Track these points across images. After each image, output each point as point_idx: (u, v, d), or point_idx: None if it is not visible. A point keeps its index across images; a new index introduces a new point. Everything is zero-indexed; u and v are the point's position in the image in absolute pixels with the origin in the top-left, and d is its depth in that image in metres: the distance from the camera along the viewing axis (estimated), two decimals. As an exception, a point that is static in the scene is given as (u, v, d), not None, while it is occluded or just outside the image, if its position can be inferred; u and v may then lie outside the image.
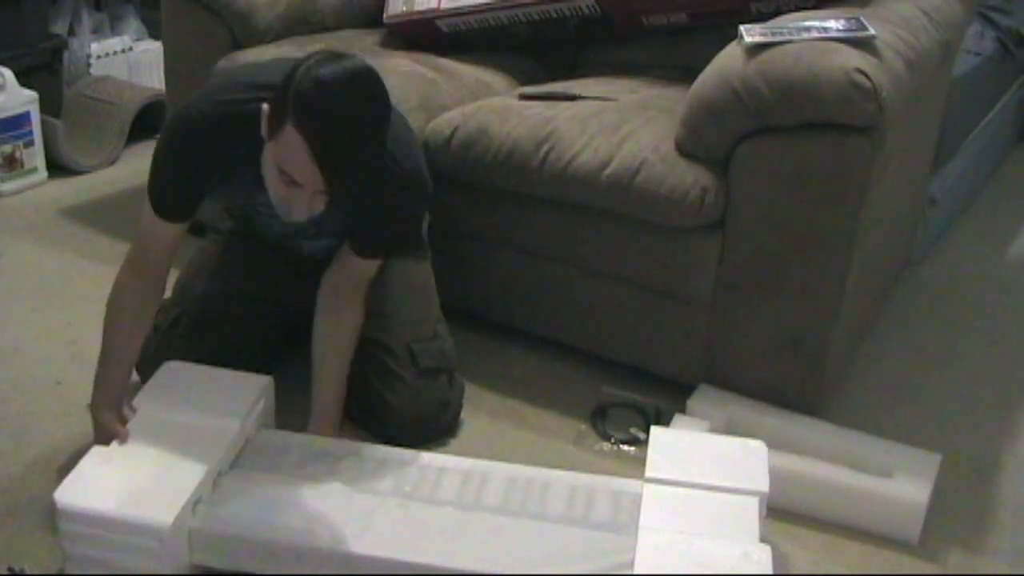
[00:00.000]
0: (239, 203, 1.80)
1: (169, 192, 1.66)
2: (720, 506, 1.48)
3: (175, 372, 1.75)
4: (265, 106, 1.48)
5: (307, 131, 1.40)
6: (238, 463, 1.63)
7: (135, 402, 1.67)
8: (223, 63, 2.26)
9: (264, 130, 1.49)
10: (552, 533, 1.49)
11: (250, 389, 1.71)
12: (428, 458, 1.66)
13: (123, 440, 1.59)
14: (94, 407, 1.67)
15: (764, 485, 1.52)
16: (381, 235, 1.75)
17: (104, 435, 1.62)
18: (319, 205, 1.50)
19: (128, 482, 1.51)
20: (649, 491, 1.52)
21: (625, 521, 1.49)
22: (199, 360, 1.79)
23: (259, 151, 1.54)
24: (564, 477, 1.61)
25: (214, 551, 1.50)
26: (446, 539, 1.48)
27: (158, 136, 1.67)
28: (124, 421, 1.63)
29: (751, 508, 1.48)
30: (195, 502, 1.50)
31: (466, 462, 1.65)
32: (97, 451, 1.57)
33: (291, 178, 1.45)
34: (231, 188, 1.70)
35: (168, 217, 1.66)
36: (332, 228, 1.77)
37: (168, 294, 1.84)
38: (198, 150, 1.61)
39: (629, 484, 1.57)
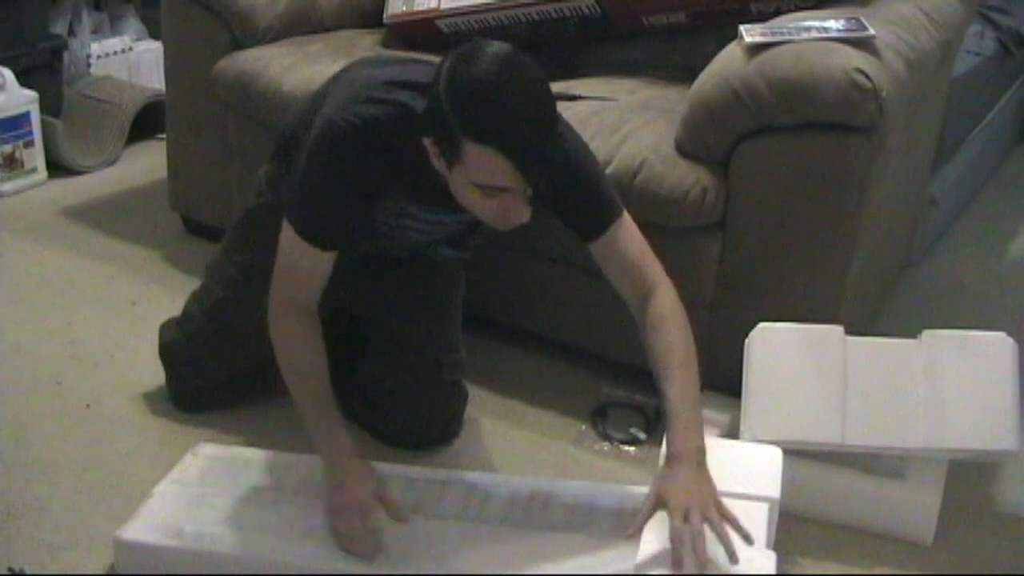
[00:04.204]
0: (390, 219, 1.64)
1: (330, 219, 1.51)
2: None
3: None
4: (426, 140, 1.40)
5: (491, 142, 1.32)
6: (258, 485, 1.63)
7: None
8: (223, 63, 2.26)
9: (439, 164, 1.41)
10: (555, 541, 1.49)
11: None
12: (432, 473, 1.67)
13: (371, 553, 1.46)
14: (337, 481, 1.48)
15: (775, 491, 1.50)
16: (593, 204, 1.57)
17: (355, 529, 1.46)
18: (528, 199, 1.41)
19: None
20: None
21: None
22: (228, 366, 1.84)
23: (409, 158, 1.46)
24: (571, 487, 1.62)
25: (212, 572, 1.50)
26: (449, 551, 1.48)
27: (306, 161, 1.51)
28: (378, 497, 1.48)
29: (760, 514, 1.46)
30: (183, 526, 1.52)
31: (468, 475, 1.65)
32: None
33: (496, 188, 1.37)
34: (384, 202, 1.58)
35: (329, 246, 1.51)
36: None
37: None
38: (356, 165, 1.47)
39: (637, 490, 1.56)
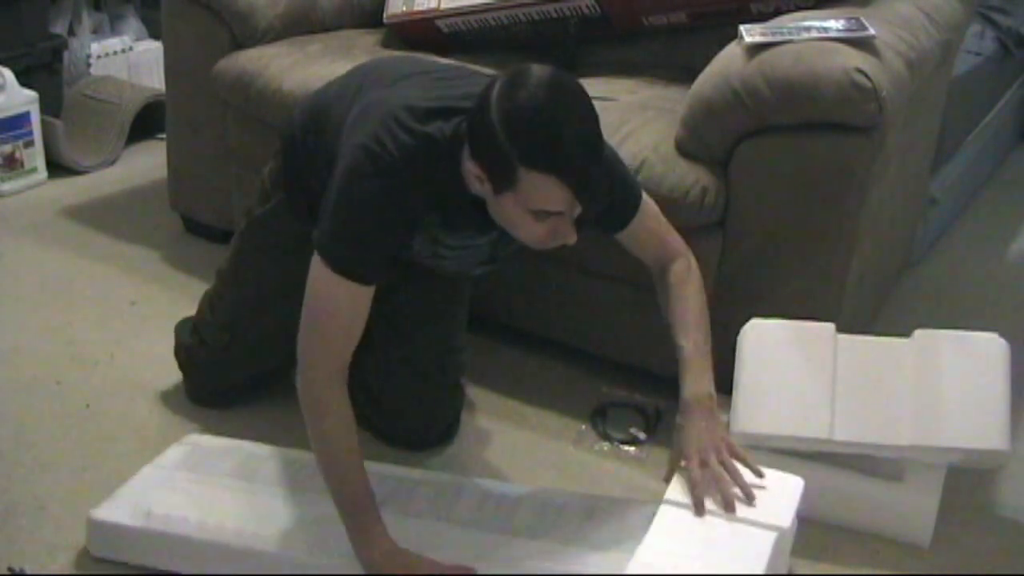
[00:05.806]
0: (425, 249, 1.61)
1: (371, 250, 1.45)
2: (732, 536, 1.41)
3: None
4: (470, 165, 1.39)
5: (550, 168, 1.32)
6: (240, 474, 1.64)
7: None
8: (223, 63, 2.26)
9: (480, 189, 1.40)
10: (518, 547, 1.50)
11: None
12: (406, 472, 1.67)
13: None
14: (376, 552, 1.41)
15: (786, 521, 1.45)
16: (616, 201, 1.59)
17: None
18: (574, 221, 1.41)
19: None
20: (663, 512, 1.46)
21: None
22: (245, 372, 1.86)
23: (443, 187, 1.44)
24: (545, 492, 1.63)
25: (176, 554, 1.52)
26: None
27: (341, 190, 1.43)
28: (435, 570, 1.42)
29: (765, 542, 1.40)
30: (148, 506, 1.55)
31: (441, 476, 1.66)
32: None
33: (548, 212, 1.37)
34: (419, 233, 1.55)
35: (370, 279, 1.44)
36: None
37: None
38: (398, 194, 1.43)
39: (646, 506, 1.55)
